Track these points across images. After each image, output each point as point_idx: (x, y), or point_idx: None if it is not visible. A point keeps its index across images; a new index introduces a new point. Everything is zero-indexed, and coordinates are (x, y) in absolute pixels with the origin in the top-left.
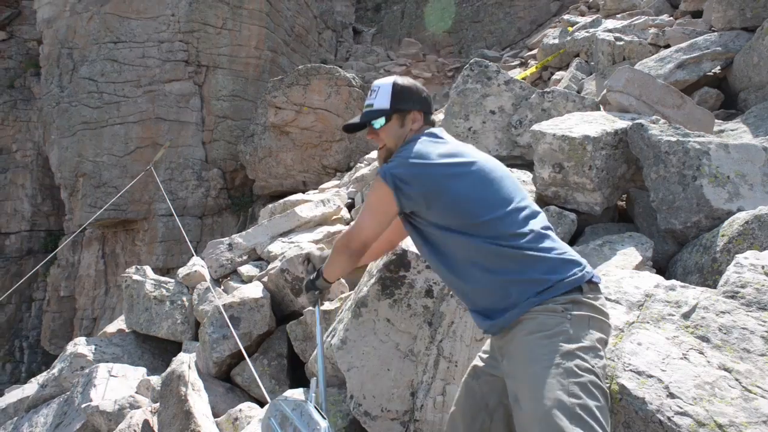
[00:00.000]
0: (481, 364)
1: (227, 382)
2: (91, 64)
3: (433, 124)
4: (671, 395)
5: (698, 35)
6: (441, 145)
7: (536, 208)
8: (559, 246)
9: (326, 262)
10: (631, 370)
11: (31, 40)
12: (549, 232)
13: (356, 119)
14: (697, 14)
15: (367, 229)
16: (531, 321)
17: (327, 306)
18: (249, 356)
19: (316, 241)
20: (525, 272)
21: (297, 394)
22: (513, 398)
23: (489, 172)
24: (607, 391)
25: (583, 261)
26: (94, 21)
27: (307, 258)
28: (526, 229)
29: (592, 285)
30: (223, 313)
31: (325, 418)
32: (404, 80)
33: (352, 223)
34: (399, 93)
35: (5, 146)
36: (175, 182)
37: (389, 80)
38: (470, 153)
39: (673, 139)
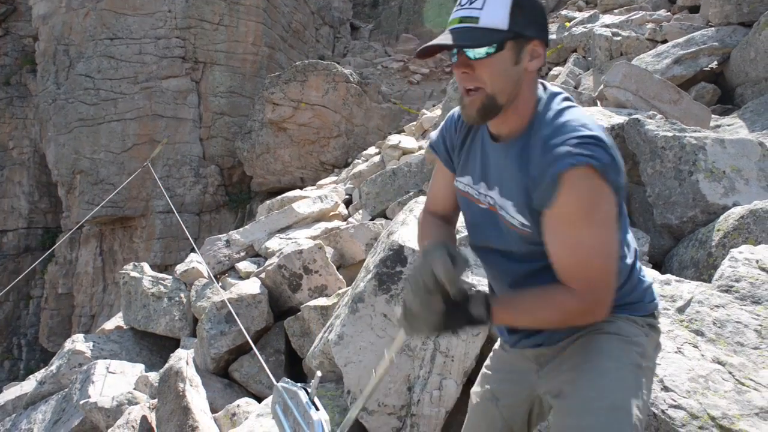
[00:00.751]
0: (498, 385)
1: (225, 377)
2: (88, 61)
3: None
4: (665, 388)
5: (695, 30)
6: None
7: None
8: (643, 269)
9: (536, 311)
10: None
11: (27, 36)
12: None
13: (444, 39)
14: (694, 9)
15: (616, 253)
16: (608, 324)
17: (324, 302)
18: (247, 352)
19: (314, 238)
20: (625, 290)
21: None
22: (554, 395)
23: None
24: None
25: (656, 288)
26: (90, 17)
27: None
28: (633, 246)
29: (658, 313)
30: (229, 306)
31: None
32: None
33: (581, 264)
34: (522, 5)
35: (2, 143)
36: (173, 179)
37: None
38: None
39: (670, 134)
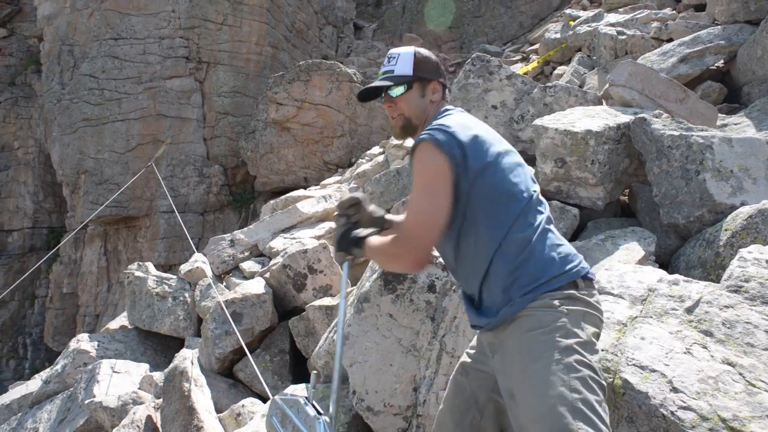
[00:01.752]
0: (468, 360)
1: (230, 377)
2: (92, 61)
3: (446, 99)
4: (675, 389)
5: (701, 29)
6: (478, 121)
7: (544, 200)
8: (557, 240)
9: (379, 247)
10: (634, 365)
11: (32, 37)
12: (551, 226)
13: (375, 83)
14: (700, 7)
15: (438, 215)
16: (528, 318)
17: (328, 302)
18: (251, 352)
19: (318, 237)
20: (524, 265)
21: (298, 390)
22: (508, 395)
23: (517, 157)
24: (605, 384)
25: (579, 256)
26: (94, 17)
27: (356, 205)
28: (536, 222)
29: (587, 281)
30: (225, 309)
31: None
32: (424, 50)
33: (407, 219)
34: (421, 61)
35: (7, 143)
36: (177, 179)
37: (409, 48)
38: (499, 136)
39: (676, 133)
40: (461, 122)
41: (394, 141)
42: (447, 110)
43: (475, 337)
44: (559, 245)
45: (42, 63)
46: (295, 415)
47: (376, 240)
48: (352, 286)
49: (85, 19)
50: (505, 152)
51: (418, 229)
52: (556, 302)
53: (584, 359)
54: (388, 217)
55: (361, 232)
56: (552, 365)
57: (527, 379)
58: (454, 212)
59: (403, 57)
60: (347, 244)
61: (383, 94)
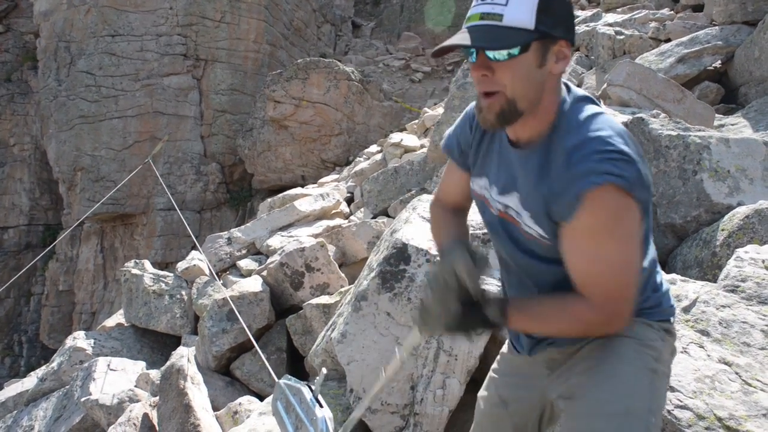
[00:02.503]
0: (507, 389)
1: (227, 375)
2: (89, 58)
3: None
4: (671, 389)
5: (699, 29)
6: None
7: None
8: (660, 273)
9: (550, 319)
10: None
11: (28, 33)
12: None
13: (462, 38)
14: (698, 8)
15: (633, 274)
16: (626, 328)
17: (326, 300)
18: (248, 350)
19: (316, 235)
20: (643, 293)
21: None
22: (566, 396)
23: None
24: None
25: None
26: (91, 14)
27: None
28: (651, 252)
29: (674, 319)
30: (231, 303)
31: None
32: None
33: (602, 277)
34: (550, 3)
35: (2, 140)
36: (174, 176)
37: None
38: None
39: (674, 133)
40: (630, 139)
41: (392, 140)
42: (583, 99)
43: (508, 360)
44: (662, 281)
45: (38, 59)
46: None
47: (534, 308)
48: (349, 284)
49: (81, 16)
50: None
51: (630, 289)
52: (656, 326)
53: (664, 390)
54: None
55: (488, 297)
56: (641, 376)
57: (606, 376)
58: None
59: None
60: (475, 322)
61: (473, 51)
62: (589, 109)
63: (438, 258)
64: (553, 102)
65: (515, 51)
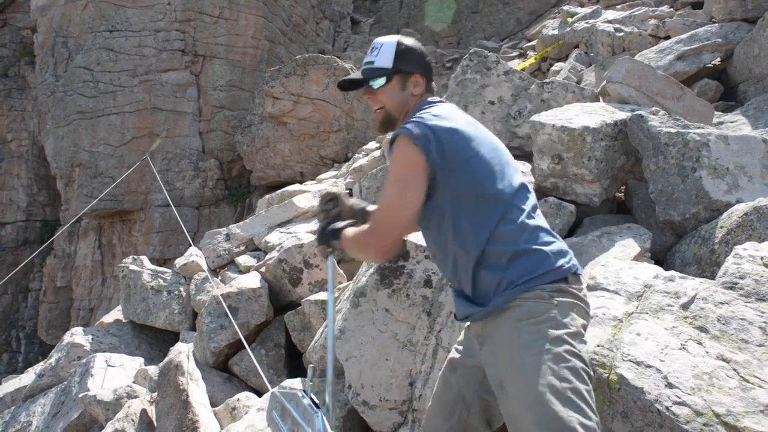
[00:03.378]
0: (457, 355)
1: (225, 371)
2: (87, 53)
3: (432, 92)
4: (670, 385)
5: (699, 26)
6: (462, 114)
7: (533, 194)
8: (549, 236)
9: (351, 237)
10: (629, 361)
11: (26, 28)
12: (542, 221)
13: (354, 75)
14: (697, 5)
15: (406, 209)
16: (518, 308)
17: (324, 296)
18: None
19: (314, 232)
20: (519, 258)
21: (295, 383)
22: (497, 386)
23: (500, 150)
24: (593, 374)
25: (570, 252)
26: (89, 9)
27: (334, 199)
28: (525, 216)
29: (575, 276)
30: (222, 302)
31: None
32: (409, 40)
33: (377, 210)
34: (403, 53)
35: (0, 136)
36: (172, 173)
37: (393, 38)
38: (483, 128)
39: (673, 130)
40: (440, 114)
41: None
42: (430, 103)
43: (463, 332)
44: (552, 241)
45: (36, 55)
46: (294, 409)
47: (350, 231)
48: (348, 281)
49: (79, 11)
50: (488, 145)
51: (386, 221)
52: (547, 294)
53: (573, 349)
54: (370, 208)
55: (338, 224)
56: (542, 354)
57: (517, 369)
58: (431, 205)
59: (384, 48)
60: (326, 236)
61: (365, 86)
62: (425, 107)
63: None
64: (413, 111)
65: (382, 81)
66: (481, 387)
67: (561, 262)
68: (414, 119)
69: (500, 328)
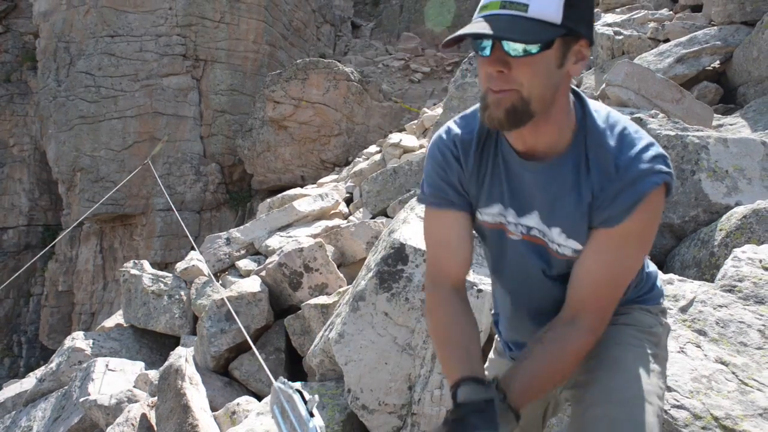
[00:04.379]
0: None
1: (225, 376)
2: (88, 58)
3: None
4: (668, 388)
5: (698, 29)
6: None
7: None
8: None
9: (530, 372)
10: None
11: (28, 33)
12: None
13: (482, 27)
14: (696, 8)
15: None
16: (625, 315)
17: (324, 300)
18: (247, 350)
19: (315, 236)
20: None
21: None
22: (572, 384)
23: None
24: None
25: None
26: (90, 14)
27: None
28: None
29: (664, 299)
30: (227, 304)
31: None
32: None
33: (601, 285)
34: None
35: (2, 140)
36: (173, 177)
37: None
38: None
39: (672, 133)
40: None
41: (391, 140)
42: (581, 95)
43: (491, 365)
44: (649, 265)
45: (38, 60)
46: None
47: (530, 379)
48: (348, 285)
49: (81, 16)
50: None
51: (616, 299)
52: (655, 311)
53: (665, 373)
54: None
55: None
56: (645, 361)
57: (611, 364)
58: None
59: None
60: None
61: (486, 45)
62: (600, 107)
63: (454, 411)
64: (566, 105)
65: (538, 47)
66: (546, 415)
67: (660, 283)
68: (658, 152)
69: None
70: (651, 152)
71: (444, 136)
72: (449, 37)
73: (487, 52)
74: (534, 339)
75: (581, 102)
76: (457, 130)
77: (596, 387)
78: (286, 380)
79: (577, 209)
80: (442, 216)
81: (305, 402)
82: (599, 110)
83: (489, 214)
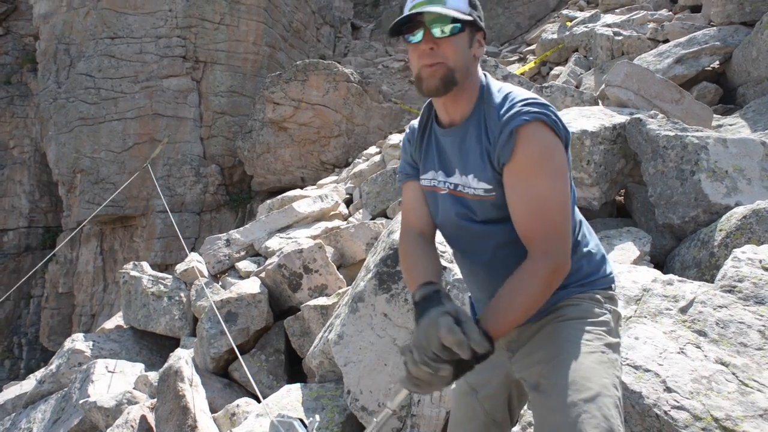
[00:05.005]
0: (473, 376)
1: (225, 377)
2: (88, 60)
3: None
4: (668, 389)
5: (697, 30)
6: None
7: None
8: (599, 242)
9: (502, 304)
10: (628, 365)
11: (28, 35)
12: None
13: (420, 8)
14: (695, 9)
15: (568, 211)
16: (574, 307)
17: (324, 301)
18: (246, 352)
19: (314, 237)
20: (580, 261)
21: (293, 390)
22: (533, 386)
23: None
24: None
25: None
26: (90, 16)
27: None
28: (581, 219)
29: (614, 285)
30: (217, 312)
31: None
32: None
33: (537, 216)
34: (475, 2)
35: (2, 142)
36: (174, 178)
37: None
38: None
39: (672, 133)
40: (542, 100)
41: (391, 141)
42: (488, 78)
43: None
44: (598, 243)
45: (38, 62)
46: None
47: (503, 309)
48: (347, 286)
49: (81, 18)
50: None
51: (563, 222)
52: (602, 299)
53: (620, 361)
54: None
55: (471, 330)
56: (598, 355)
57: (568, 364)
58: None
59: None
60: (471, 367)
61: (418, 32)
62: (502, 84)
63: (415, 309)
64: (476, 82)
65: (456, 28)
66: (511, 403)
67: (609, 269)
68: (533, 101)
69: (547, 326)
70: (526, 101)
71: (407, 129)
72: (393, 23)
73: (419, 37)
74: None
75: (486, 80)
76: (414, 122)
77: (556, 390)
78: (283, 414)
79: (481, 157)
80: (406, 186)
81: (305, 426)
82: (500, 86)
83: (426, 179)
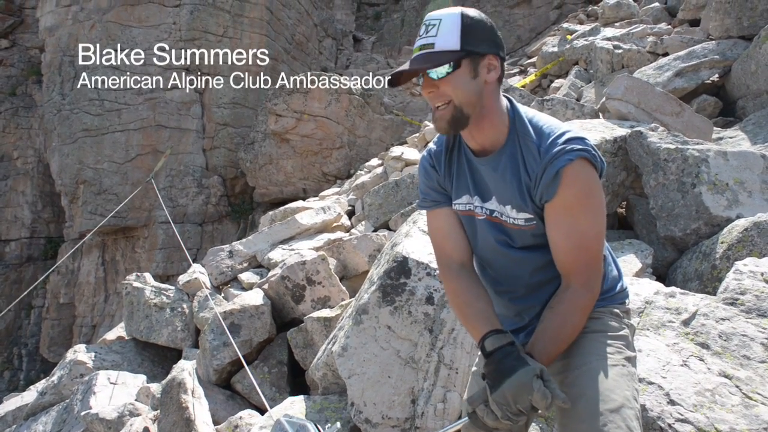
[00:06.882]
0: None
1: (228, 389)
2: (93, 72)
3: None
4: (672, 402)
5: (696, 43)
6: None
7: None
8: (615, 256)
9: (549, 337)
10: None
11: (33, 47)
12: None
13: (407, 65)
14: (694, 23)
15: (603, 241)
16: (595, 321)
17: (327, 313)
18: (249, 363)
19: (317, 248)
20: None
21: (296, 402)
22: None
23: None
24: None
25: None
26: (96, 29)
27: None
28: None
29: (629, 300)
30: (222, 322)
31: None
32: (473, 12)
33: (579, 251)
34: (470, 28)
35: (6, 153)
36: (176, 189)
37: (454, 11)
38: None
39: (672, 146)
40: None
41: (393, 153)
42: (514, 103)
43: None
44: (617, 262)
45: (43, 74)
46: None
47: (548, 341)
48: (350, 298)
49: (86, 31)
50: None
51: (602, 255)
52: (620, 313)
53: (636, 375)
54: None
55: (544, 389)
56: (619, 368)
57: (589, 376)
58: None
59: (446, 24)
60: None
61: (421, 75)
62: (527, 110)
63: (487, 359)
64: (499, 107)
65: (449, 68)
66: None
67: (625, 283)
68: (573, 136)
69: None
70: (564, 137)
71: (425, 153)
72: (389, 78)
73: (421, 80)
74: (546, 309)
75: (513, 107)
76: (432, 146)
77: (582, 401)
78: (290, 414)
79: (519, 189)
80: (434, 214)
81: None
82: (526, 112)
83: (460, 204)
